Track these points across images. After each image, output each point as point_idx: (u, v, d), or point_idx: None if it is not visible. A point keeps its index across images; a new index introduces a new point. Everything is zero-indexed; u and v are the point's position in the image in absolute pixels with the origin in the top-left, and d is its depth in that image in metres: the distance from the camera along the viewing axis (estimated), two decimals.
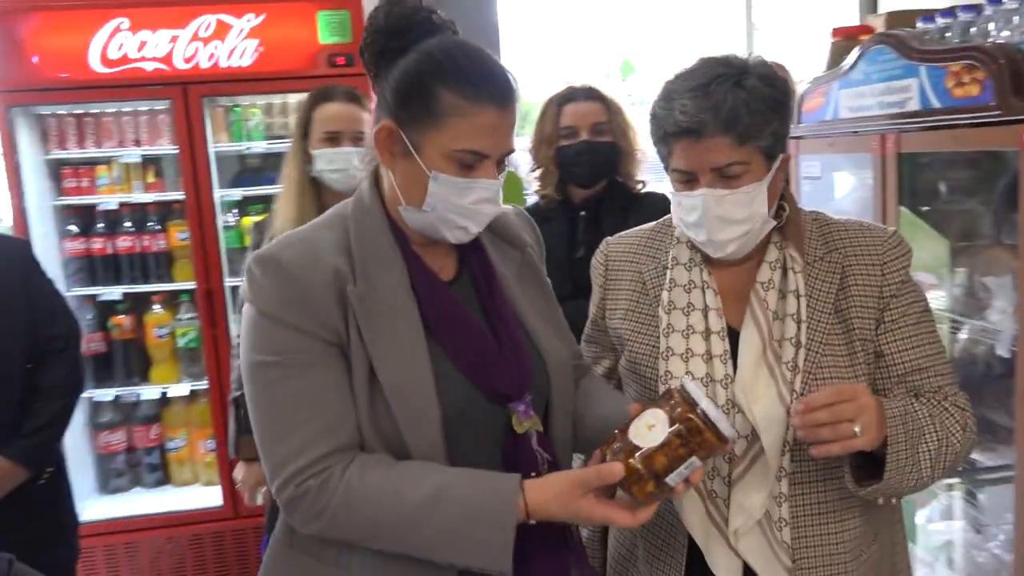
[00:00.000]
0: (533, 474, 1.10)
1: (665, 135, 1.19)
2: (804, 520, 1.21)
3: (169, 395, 3.29)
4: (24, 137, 3.02)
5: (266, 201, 3.07)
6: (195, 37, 2.97)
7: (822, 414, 1.06)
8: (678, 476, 1.02)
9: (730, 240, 1.20)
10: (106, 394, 3.23)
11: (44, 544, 2.03)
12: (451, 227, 1.11)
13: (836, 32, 2.39)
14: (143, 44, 2.95)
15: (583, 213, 2.28)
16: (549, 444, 1.16)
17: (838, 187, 2.45)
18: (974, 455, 2.02)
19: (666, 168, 1.24)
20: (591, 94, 2.29)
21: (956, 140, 1.81)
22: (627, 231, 1.44)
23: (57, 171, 3.18)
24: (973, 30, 1.86)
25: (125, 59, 2.95)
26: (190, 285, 3.13)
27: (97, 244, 3.18)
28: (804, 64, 2.91)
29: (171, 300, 3.28)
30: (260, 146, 3.22)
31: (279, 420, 1.07)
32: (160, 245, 3.22)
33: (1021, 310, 1.71)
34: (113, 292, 3.17)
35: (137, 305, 3.27)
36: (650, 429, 1.03)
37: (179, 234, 3.19)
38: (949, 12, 1.93)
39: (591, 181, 2.28)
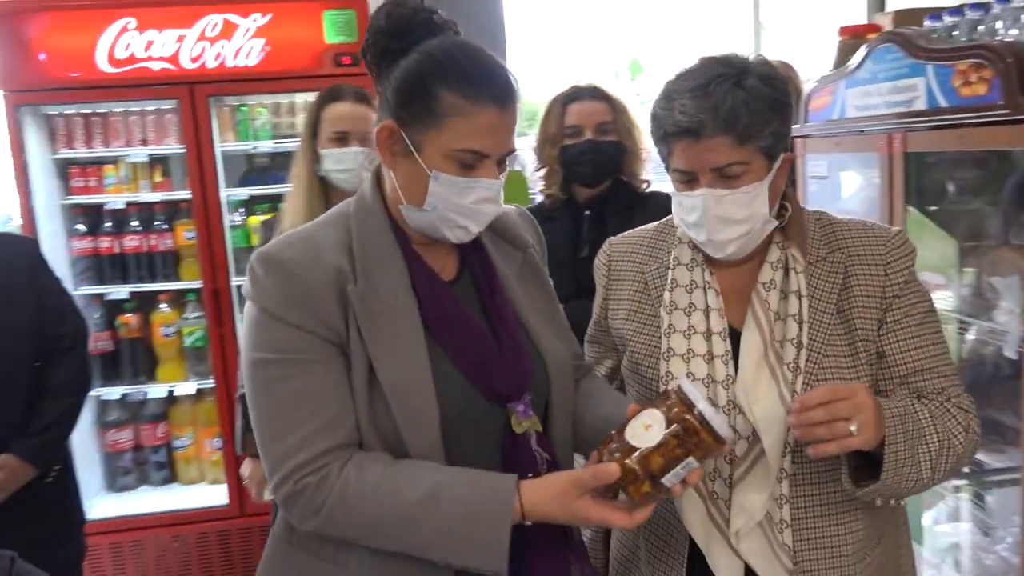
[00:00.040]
0: (532, 474, 1.10)
1: (665, 135, 1.18)
2: (805, 522, 1.21)
3: (176, 394, 3.31)
4: (32, 136, 3.04)
5: (272, 200, 3.10)
6: (202, 37, 2.99)
7: (818, 412, 1.05)
8: (675, 477, 1.02)
9: (730, 240, 1.19)
10: (113, 392, 3.25)
11: (51, 542, 2.05)
12: (452, 226, 1.11)
13: (843, 31, 2.38)
14: (150, 44, 2.97)
15: (587, 212, 2.28)
16: (548, 444, 1.16)
17: (845, 186, 2.43)
18: (982, 457, 2.00)
19: (667, 168, 1.24)
20: (596, 93, 2.28)
21: (963, 139, 1.80)
22: (630, 231, 1.43)
23: (65, 170, 3.20)
24: (981, 28, 1.85)
25: (132, 59, 2.97)
26: (197, 284, 3.15)
27: (104, 243, 3.21)
28: (812, 63, 2.90)
29: (178, 299, 3.29)
30: (266, 145, 3.23)
31: (279, 417, 1.07)
32: (167, 244, 3.24)
33: None
34: (120, 291, 3.19)
35: (144, 304, 3.29)
36: (647, 429, 1.03)
37: (186, 233, 3.21)
38: (957, 10, 1.91)
39: (595, 180, 2.27)
